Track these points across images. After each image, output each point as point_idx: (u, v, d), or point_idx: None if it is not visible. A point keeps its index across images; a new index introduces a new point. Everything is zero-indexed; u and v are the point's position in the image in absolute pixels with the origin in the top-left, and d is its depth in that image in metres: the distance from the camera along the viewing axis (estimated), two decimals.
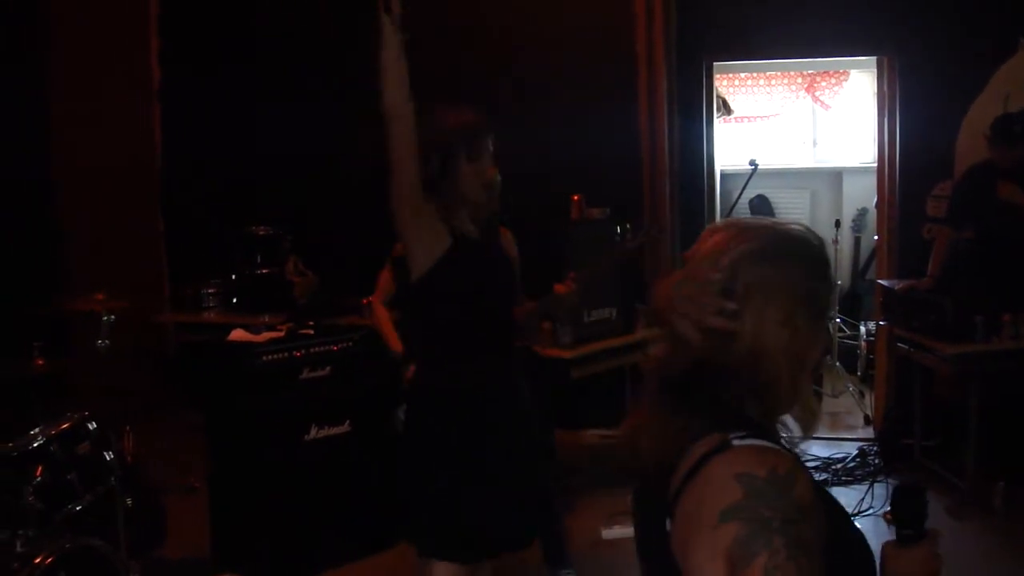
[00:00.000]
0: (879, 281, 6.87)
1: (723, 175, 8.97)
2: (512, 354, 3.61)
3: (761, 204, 9.93)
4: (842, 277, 9.12)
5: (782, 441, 1.53)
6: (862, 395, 7.74)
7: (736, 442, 1.42)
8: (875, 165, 7.35)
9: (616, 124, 7.10)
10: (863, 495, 5.66)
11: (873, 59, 7.34)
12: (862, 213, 9.28)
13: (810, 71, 9.99)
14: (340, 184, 7.35)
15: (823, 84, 10.10)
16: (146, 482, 4.78)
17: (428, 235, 3.30)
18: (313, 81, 7.54)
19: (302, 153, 7.58)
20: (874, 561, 1.56)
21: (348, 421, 5.12)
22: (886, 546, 1.60)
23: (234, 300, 7.13)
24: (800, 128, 10.47)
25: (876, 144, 7.30)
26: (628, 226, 4.58)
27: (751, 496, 1.34)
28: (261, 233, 7.05)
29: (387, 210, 3.27)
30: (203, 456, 5.26)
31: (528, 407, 3.59)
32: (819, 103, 10.19)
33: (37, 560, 3.52)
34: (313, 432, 5.03)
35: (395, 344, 4.77)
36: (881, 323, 6.91)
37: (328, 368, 5.16)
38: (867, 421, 7.30)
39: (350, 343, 5.20)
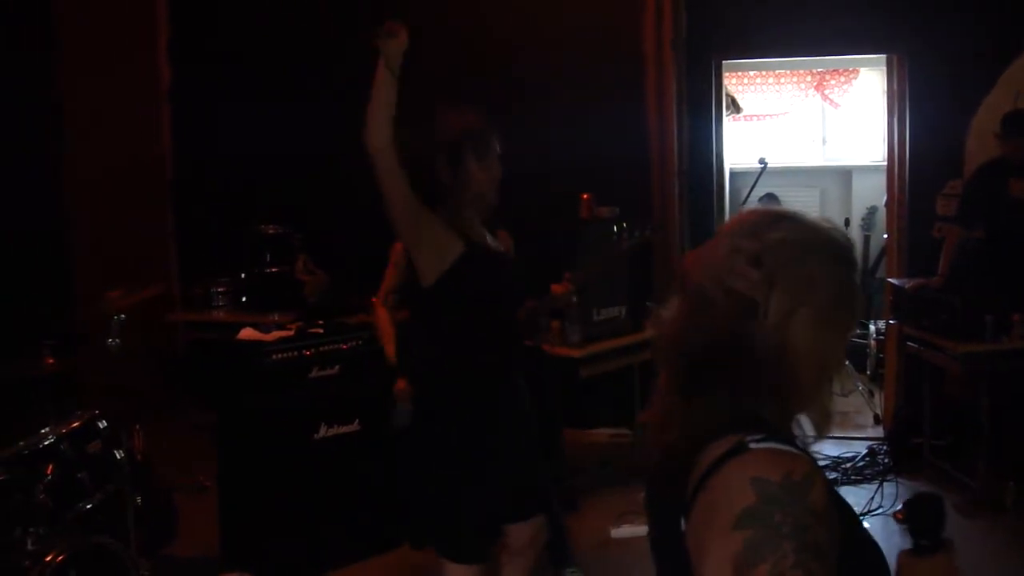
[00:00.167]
0: (889, 280, 6.87)
1: (732, 173, 8.97)
2: (516, 355, 3.62)
3: (770, 203, 9.89)
4: None
5: (797, 442, 1.52)
6: (871, 394, 7.72)
7: (753, 445, 1.41)
8: (885, 163, 7.34)
9: (625, 123, 7.09)
10: (872, 494, 5.65)
11: (883, 57, 7.32)
12: (872, 212, 9.27)
13: (819, 69, 9.98)
14: (349, 183, 7.29)
15: (832, 82, 10.08)
16: (156, 481, 4.79)
17: (436, 246, 3.31)
18: (322, 80, 7.53)
19: (311, 152, 7.57)
20: (886, 564, 1.55)
21: (357, 420, 5.13)
22: (902, 555, 1.59)
23: (243, 299, 7.14)
24: (810, 126, 10.46)
25: (886, 142, 7.29)
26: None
27: (764, 501, 1.33)
28: (270, 232, 7.06)
29: None
30: (212, 455, 5.27)
31: (528, 408, 3.60)
32: (828, 101, 10.17)
33: (48, 558, 3.53)
34: (322, 431, 5.04)
35: (389, 352, 4.74)
36: (891, 322, 6.91)
37: (337, 367, 5.16)
38: (877, 420, 7.27)
39: (359, 342, 5.20)
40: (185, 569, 4.94)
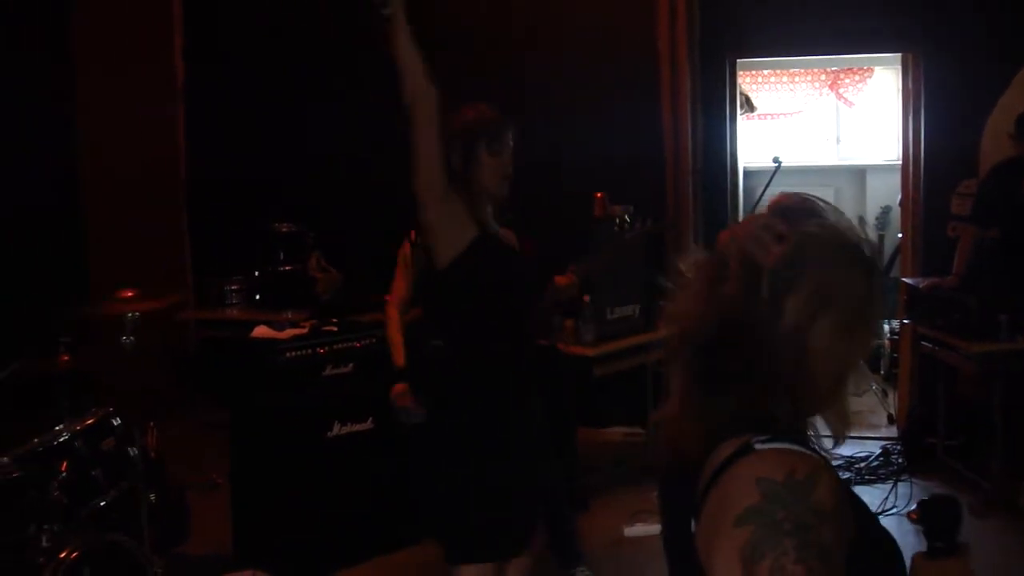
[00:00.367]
0: (903, 279, 6.85)
1: (746, 172, 8.95)
2: (525, 347, 3.61)
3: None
4: None
5: (811, 443, 1.51)
6: (885, 394, 7.70)
7: (759, 446, 1.41)
8: (899, 163, 7.32)
9: (639, 122, 7.09)
10: (887, 494, 5.65)
11: (898, 56, 7.30)
12: (886, 211, 9.25)
13: (834, 68, 9.96)
14: (363, 181, 7.37)
15: (847, 81, 10.06)
16: (169, 478, 4.80)
17: (455, 223, 3.30)
18: (337, 78, 7.55)
19: (325, 150, 7.60)
20: (903, 561, 1.54)
21: (371, 418, 5.13)
22: (916, 557, 1.59)
23: (257, 297, 7.15)
24: (824, 125, 10.44)
25: (900, 141, 7.27)
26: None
27: (767, 499, 1.33)
28: (284, 230, 7.07)
29: (410, 207, 3.27)
30: (225, 452, 5.28)
31: (534, 406, 3.59)
32: (843, 100, 10.15)
33: (62, 555, 3.55)
34: (336, 429, 5.05)
35: (398, 356, 4.61)
36: (905, 321, 6.89)
37: (351, 365, 5.17)
38: (890, 420, 7.26)
39: (373, 340, 5.19)
40: (197, 566, 4.94)
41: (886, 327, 8.38)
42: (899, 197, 7.44)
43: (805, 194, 1.62)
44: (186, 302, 7.88)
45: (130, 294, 4.44)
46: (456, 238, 3.30)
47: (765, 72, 10.10)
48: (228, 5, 8.16)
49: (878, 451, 6.47)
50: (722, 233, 1.60)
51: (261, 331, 5.23)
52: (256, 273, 7.16)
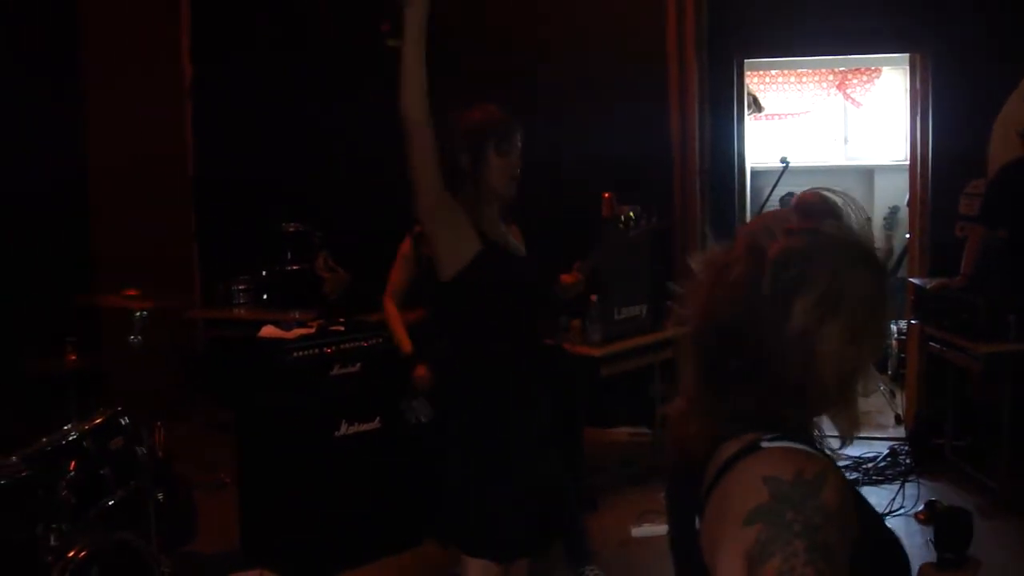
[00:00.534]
0: (911, 279, 6.83)
1: (754, 172, 8.94)
2: (530, 349, 3.61)
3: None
4: None
5: (817, 444, 1.51)
6: (893, 394, 7.69)
7: (766, 444, 1.41)
8: (907, 163, 7.31)
9: (647, 122, 7.09)
10: (894, 495, 5.63)
11: (905, 56, 7.30)
12: (894, 211, 9.24)
13: (842, 68, 9.96)
14: (370, 180, 7.37)
15: (855, 81, 10.06)
16: (177, 478, 4.81)
17: (457, 239, 3.28)
18: (344, 78, 7.55)
19: (332, 150, 7.61)
20: (909, 565, 1.54)
21: (378, 418, 5.14)
22: (925, 567, 1.59)
23: (264, 296, 7.16)
24: (831, 126, 10.42)
25: (908, 142, 7.25)
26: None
27: (776, 499, 1.33)
28: (291, 229, 7.08)
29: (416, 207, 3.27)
30: (233, 452, 5.29)
31: (541, 408, 3.58)
32: (851, 100, 10.14)
33: (70, 554, 3.55)
34: (343, 428, 5.05)
35: (404, 344, 4.70)
36: (912, 322, 6.87)
37: (358, 364, 5.17)
38: (898, 420, 7.25)
39: (380, 339, 5.19)
40: (205, 566, 4.96)
41: (894, 328, 8.37)
42: (907, 197, 7.42)
43: (828, 191, 1.62)
44: (193, 302, 7.91)
45: (137, 293, 4.45)
46: (458, 253, 3.28)
47: (773, 72, 10.10)
48: (235, 6, 8.17)
49: (885, 452, 6.47)
50: (742, 226, 1.61)
51: (268, 331, 5.23)
52: (263, 273, 7.17)
